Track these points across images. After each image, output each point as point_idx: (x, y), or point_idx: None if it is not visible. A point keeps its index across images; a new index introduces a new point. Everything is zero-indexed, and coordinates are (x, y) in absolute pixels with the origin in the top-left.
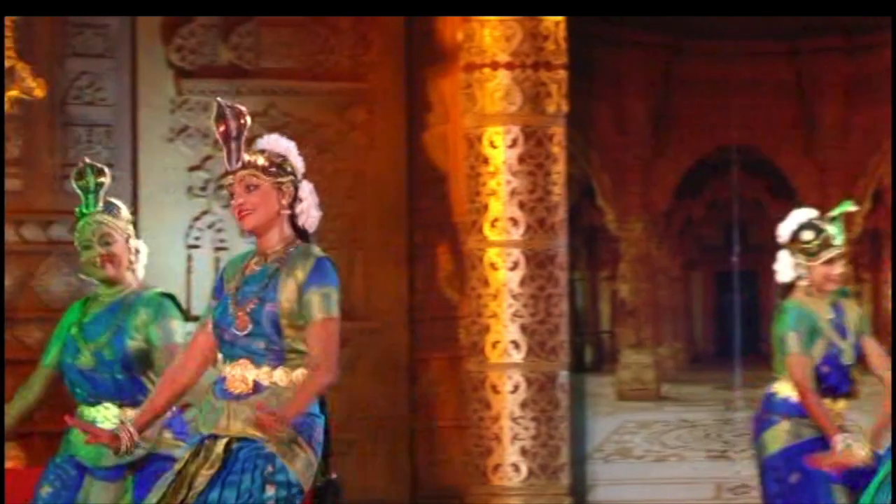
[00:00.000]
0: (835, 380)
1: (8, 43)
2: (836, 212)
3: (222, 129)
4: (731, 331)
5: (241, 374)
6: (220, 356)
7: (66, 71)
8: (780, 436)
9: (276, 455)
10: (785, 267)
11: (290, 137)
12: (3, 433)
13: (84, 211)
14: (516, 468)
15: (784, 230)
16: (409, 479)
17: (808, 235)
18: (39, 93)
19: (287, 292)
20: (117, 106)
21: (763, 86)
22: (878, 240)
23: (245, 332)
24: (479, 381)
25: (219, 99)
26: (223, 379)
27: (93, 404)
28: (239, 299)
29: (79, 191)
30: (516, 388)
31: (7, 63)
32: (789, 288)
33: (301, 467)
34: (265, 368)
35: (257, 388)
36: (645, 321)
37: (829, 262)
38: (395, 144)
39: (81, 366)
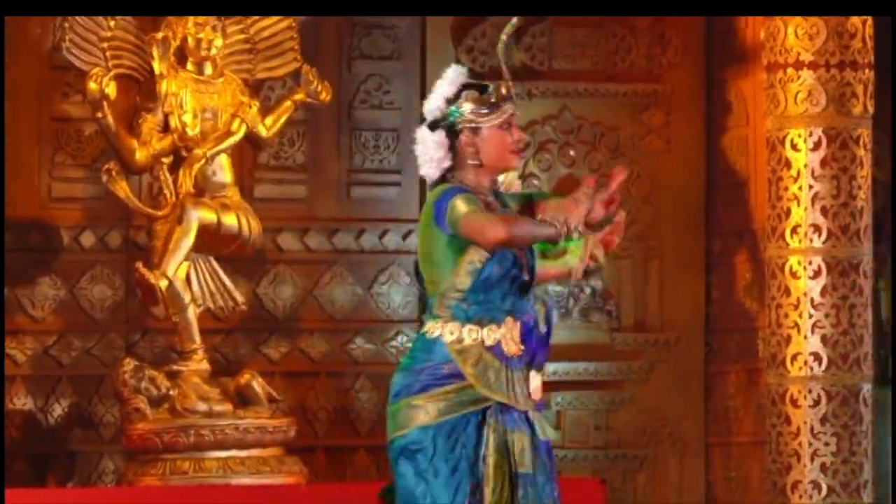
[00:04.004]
0: None
1: (293, 45)
2: None
3: (507, 57)
4: None
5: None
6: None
7: (354, 73)
8: None
9: None
10: None
11: (584, 141)
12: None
13: None
14: (816, 486)
15: None
16: (704, 495)
17: None
18: (325, 97)
19: None
20: (405, 110)
21: None
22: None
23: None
24: (777, 395)
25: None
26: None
27: None
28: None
29: None
30: (817, 402)
31: (293, 66)
32: None
33: None
34: None
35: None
36: None
37: None
38: (693, 148)
39: None
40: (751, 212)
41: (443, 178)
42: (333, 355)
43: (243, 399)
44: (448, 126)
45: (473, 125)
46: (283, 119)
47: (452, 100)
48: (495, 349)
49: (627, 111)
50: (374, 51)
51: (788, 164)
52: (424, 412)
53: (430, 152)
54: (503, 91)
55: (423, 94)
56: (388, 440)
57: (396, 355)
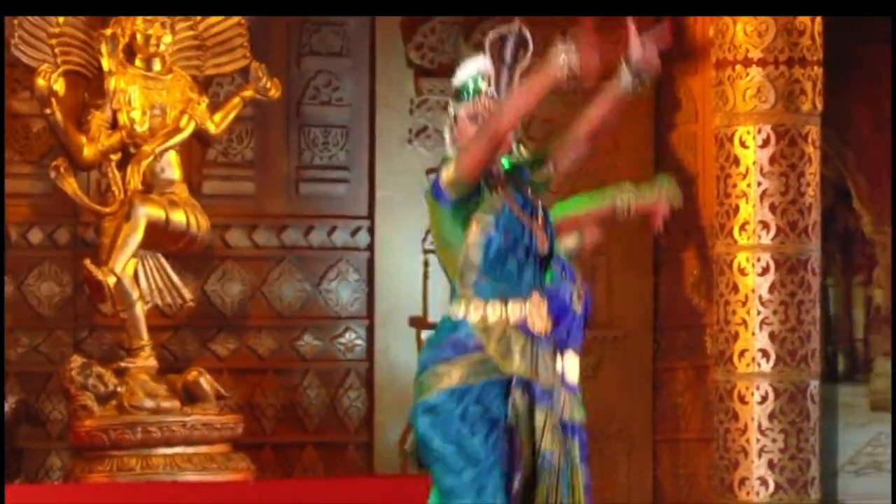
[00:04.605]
0: None
1: (242, 42)
2: None
3: (497, 49)
4: None
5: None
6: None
7: (303, 70)
8: None
9: None
10: None
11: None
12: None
13: None
14: (764, 482)
15: None
16: (652, 492)
17: None
18: (275, 93)
19: None
20: (354, 106)
21: None
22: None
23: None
24: (725, 392)
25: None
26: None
27: None
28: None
29: None
30: (764, 398)
31: (242, 63)
32: None
33: None
34: None
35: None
36: None
37: None
38: (641, 145)
39: None
40: (699, 209)
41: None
42: (281, 352)
43: (191, 396)
44: (452, 114)
45: (454, 113)
46: (231, 115)
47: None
48: (521, 326)
49: (576, 107)
50: (324, 47)
51: (737, 161)
52: (448, 377)
53: (447, 136)
54: (478, 84)
55: (373, 91)
56: (412, 406)
57: (344, 352)
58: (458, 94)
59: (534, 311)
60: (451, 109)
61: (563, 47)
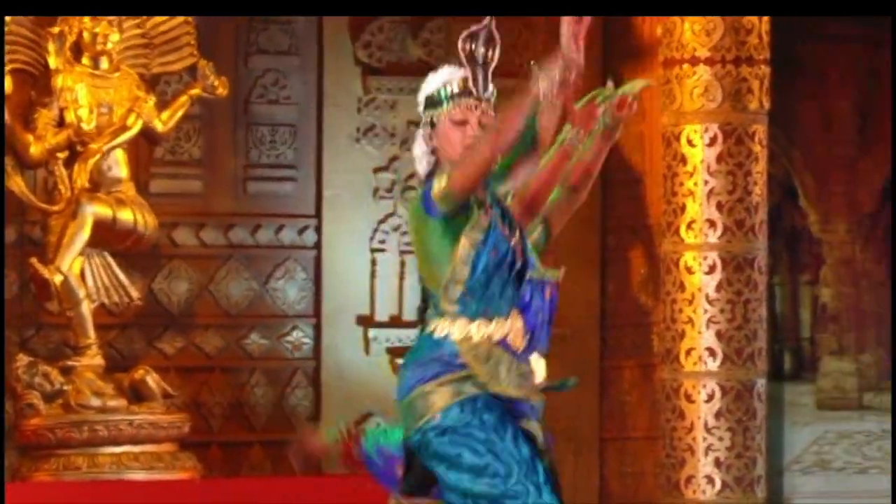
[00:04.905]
0: None
1: (190, 40)
2: None
3: (468, 49)
4: None
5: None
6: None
7: (250, 69)
8: None
9: None
10: None
11: None
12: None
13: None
14: (710, 480)
15: None
16: (598, 491)
17: None
18: (222, 91)
19: None
20: (302, 105)
21: None
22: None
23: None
24: (672, 390)
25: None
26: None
27: None
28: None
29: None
30: (711, 397)
31: (189, 61)
32: None
33: None
34: None
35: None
36: (847, 327)
37: None
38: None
39: None
40: (646, 207)
41: (430, 175)
42: (228, 350)
43: (138, 394)
44: (427, 121)
45: (431, 119)
46: (179, 114)
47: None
48: (504, 343)
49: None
50: (271, 46)
51: (684, 160)
52: (446, 394)
53: (416, 148)
54: (455, 87)
55: (320, 90)
56: (410, 434)
57: (292, 350)
58: (433, 102)
59: (514, 329)
60: (424, 117)
61: (544, 70)
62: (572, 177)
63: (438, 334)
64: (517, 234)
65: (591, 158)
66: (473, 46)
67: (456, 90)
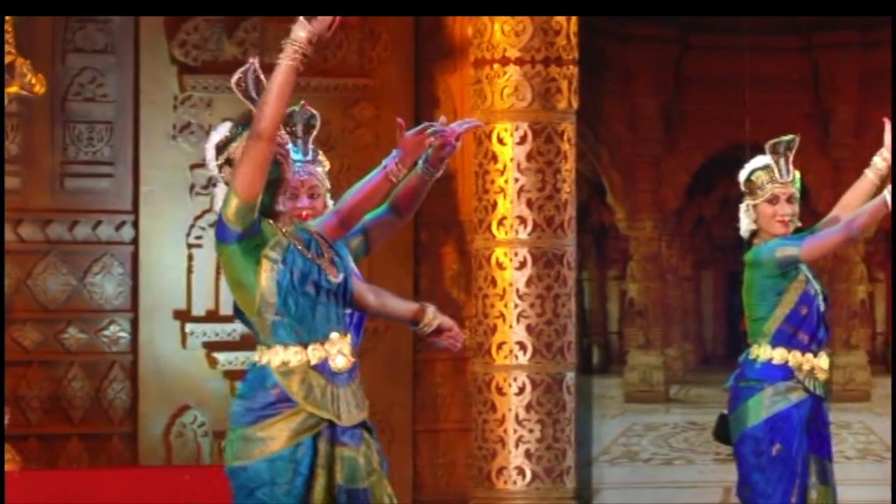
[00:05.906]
0: (813, 325)
1: (7, 38)
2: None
3: (242, 88)
4: (741, 332)
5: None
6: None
7: (67, 67)
8: (763, 404)
9: None
10: (742, 218)
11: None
12: (3, 434)
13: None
14: (521, 471)
15: (741, 177)
16: (411, 482)
17: (755, 175)
18: (39, 89)
19: None
20: (119, 102)
21: (776, 82)
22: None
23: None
24: (483, 383)
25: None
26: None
27: None
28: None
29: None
30: (522, 389)
31: (6, 59)
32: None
33: None
34: None
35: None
36: (654, 322)
37: (773, 199)
38: None
39: None
40: (458, 204)
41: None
42: (46, 344)
43: None
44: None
45: (221, 163)
46: None
47: None
48: (320, 367)
49: (338, 105)
50: (88, 44)
51: (495, 158)
52: (258, 445)
53: (221, 192)
54: (228, 136)
55: (137, 87)
56: (226, 464)
57: (109, 344)
58: (220, 150)
59: (333, 351)
60: (214, 169)
61: (299, 24)
62: (397, 199)
63: (260, 362)
64: (327, 253)
65: (416, 184)
66: (245, 86)
67: (238, 133)
